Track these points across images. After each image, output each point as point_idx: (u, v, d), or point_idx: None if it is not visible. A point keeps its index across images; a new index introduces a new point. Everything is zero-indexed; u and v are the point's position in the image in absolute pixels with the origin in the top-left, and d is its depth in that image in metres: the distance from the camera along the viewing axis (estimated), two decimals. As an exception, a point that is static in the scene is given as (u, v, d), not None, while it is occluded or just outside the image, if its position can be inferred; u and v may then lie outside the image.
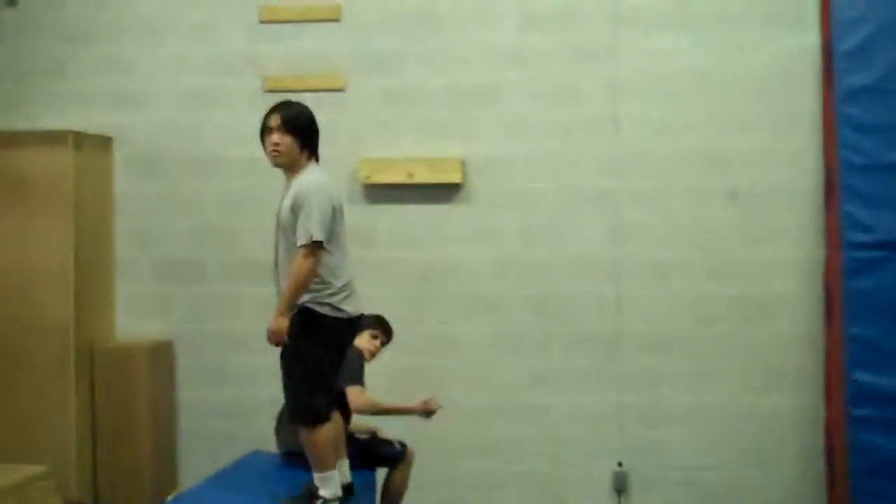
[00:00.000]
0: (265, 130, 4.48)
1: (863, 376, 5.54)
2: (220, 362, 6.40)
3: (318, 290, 4.33)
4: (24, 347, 6.01)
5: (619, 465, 6.12)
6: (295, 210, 4.30)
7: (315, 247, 4.24)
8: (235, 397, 6.35)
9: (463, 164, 6.22)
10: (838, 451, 5.71)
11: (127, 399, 6.17)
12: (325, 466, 4.43)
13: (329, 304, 4.35)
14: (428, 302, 6.27)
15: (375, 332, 5.29)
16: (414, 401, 5.33)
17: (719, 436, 6.06)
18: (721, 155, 6.08)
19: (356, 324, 4.56)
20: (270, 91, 6.28)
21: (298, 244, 4.25)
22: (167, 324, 6.45)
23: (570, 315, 6.18)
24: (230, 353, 6.37)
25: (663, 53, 6.11)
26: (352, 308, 4.44)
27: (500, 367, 6.22)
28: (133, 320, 6.48)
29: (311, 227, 4.23)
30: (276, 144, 4.41)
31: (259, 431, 5.72)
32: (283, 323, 4.26)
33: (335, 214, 4.38)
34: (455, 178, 6.19)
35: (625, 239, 6.15)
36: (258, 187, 6.30)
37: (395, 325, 5.96)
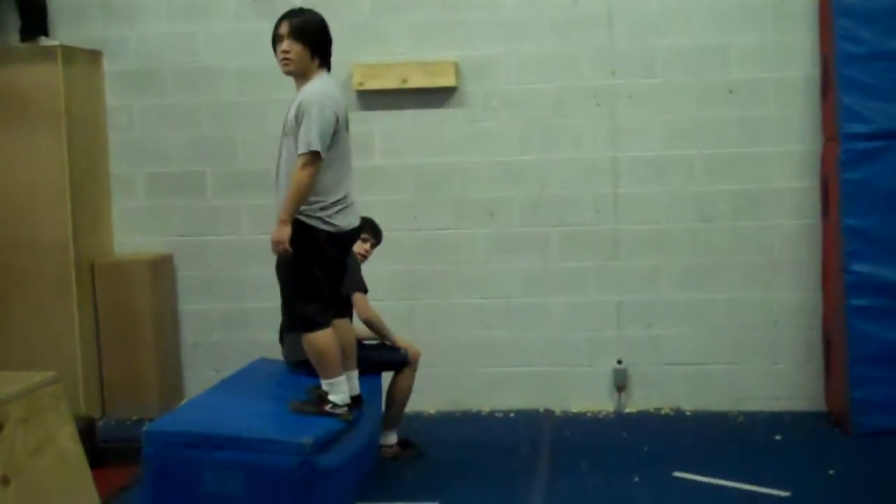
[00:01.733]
0: (276, 38, 4.43)
1: (860, 267, 5.58)
2: (220, 274, 6.43)
3: (309, 203, 4.33)
4: (24, 266, 6.02)
5: (619, 362, 6.20)
6: (298, 118, 4.29)
7: (314, 156, 4.24)
8: (237, 308, 6.40)
9: (457, 67, 6.16)
10: (836, 341, 5.78)
11: (129, 313, 6.21)
12: (330, 372, 4.48)
13: (319, 218, 4.36)
14: (425, 207, 6.27)
15: (365, 235, 5.31)
16: (402, 339, 5.36)
17: (718, 331, 6.13)
18: (717, 50, 6.02)
19: (351, 236, 4.57)
20: (259, -1, 6.20)
21: (298, 153, 4.25)
22: (166, 238, 6.45)
23: (568, 216, 6.19)
24: (230, 265, 6.40)
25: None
26: (344, 222, 4.44)
27: (498, 270, 6.25)
28: (131, 235, 6.48)
29: (311, 138, 4.23)
30: (286, 52, 4.37)
31: (262, 341, 5.77)
32: (286, 231, 4.28)
33: (338, 126, 4.36)
34: (449, 81, 6.14)
35: (622, 138, 6.13)
36: (253, 98, 6.26)
37: (392, 232, 5.99)
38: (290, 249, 4.30)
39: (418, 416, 6.02)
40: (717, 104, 6.04)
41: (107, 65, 6.43)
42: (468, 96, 6.21)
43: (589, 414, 6.18)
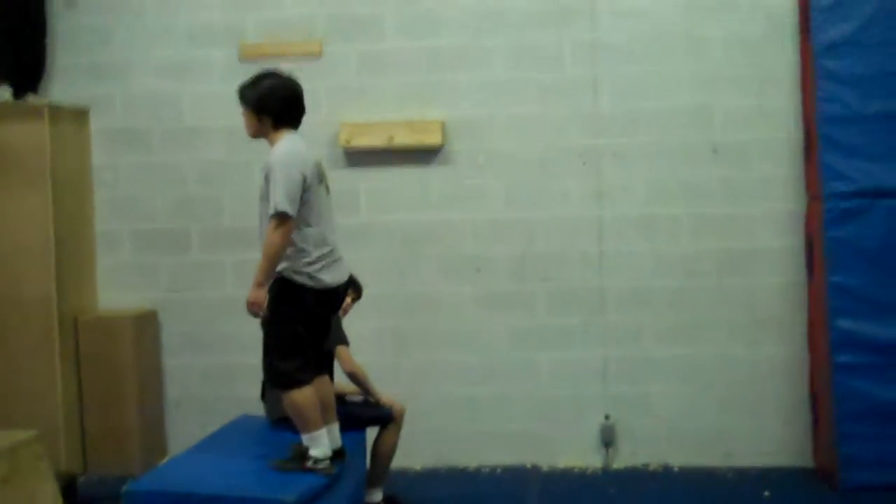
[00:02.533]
0: None
1: (845, 324, 5.61)
2: (204, 330, 6.39)
3: (294, 260, 4.34)
4: (6, 322, 5.96)
5: (607, 418, 6.17)
6: (267, 181, 4.34)
7: (283, 218, 4.26)
8: (221, 364, 6.36)
9: (443, 127, 6.21)
10: (822, 398, 5.78)
11: (112, 369, 6.16)
12: (310, 427, 4.45)
13: (306, 274, 4.36)
14: (411, 264, 6.28)
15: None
16: (385, 395, 5.34)
17: (705, 387, 6.12)
18: (702, 112, 6.10)
19: (338, 292, 4.57)
20: (247, 59, 6.25)
21: (269, 215, 4.28)
22: (150, 294, 6.43)
23: (554, 273, 6.20)
24: (215, 321, 6.36)
25: (642, 14, 6.12)
26: (330, 278, 4.45)
27: (484, 326, 6.24)
28: (115, 292, 6.45)
29: (277, 199, 4.25)
30: (243, 117, 4.54)
31: (246, 396, 5.71)
32: (261, 294, 4.30)
33: (308, 184, 4.37)
34: (435, 140, 6.19)
35: (607, 197, 6.17)
36: (237, 157, 6.28)
37: (379, 288, 6.00)
38: (265, 312, 4.31)
39: (404, 473, 5.97)
40: (702, 164, 6.10)
41: (93, 122, 6.45)
42: (454, 155, 6.26)
43: (576, 470, 6.13)
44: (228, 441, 4.96)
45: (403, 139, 6.20)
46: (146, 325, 6.34)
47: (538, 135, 6.19)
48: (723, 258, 6.10)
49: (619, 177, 6.15)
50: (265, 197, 4.34)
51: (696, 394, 6.13)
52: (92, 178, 6.46)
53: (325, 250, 4.44)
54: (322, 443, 4.47)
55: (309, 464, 4.43)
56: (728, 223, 6.09)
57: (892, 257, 5.61)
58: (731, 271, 6.09)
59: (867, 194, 5.65)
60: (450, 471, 6.18)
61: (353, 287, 5.37)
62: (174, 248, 6.41)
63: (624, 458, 6.18)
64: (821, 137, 5.73)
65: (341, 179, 6.16)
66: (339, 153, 6.25)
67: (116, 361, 6.16)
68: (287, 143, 4.42)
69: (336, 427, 4.66)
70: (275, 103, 4.46)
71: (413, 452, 5.93)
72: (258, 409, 5.32)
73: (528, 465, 6.18)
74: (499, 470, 6.16)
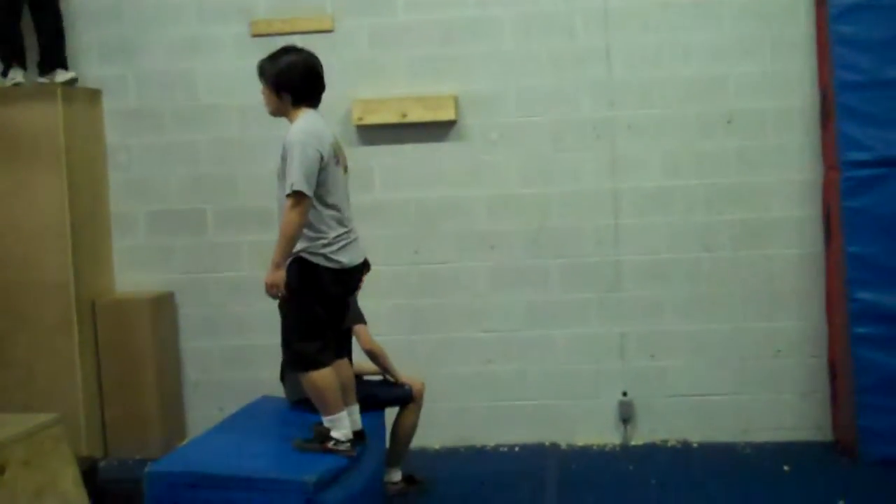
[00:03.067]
0: None
1: (863, 294, 5.57)
2: (222, 311, 6.40)
3: (311, 240, 4.33)
4: (25, 306, 5.98)
5: (624, 394, 6.16)
6: (283, 160, 4.31)
7: (299, 197, 4.22)
8: (239, 345, 6.36)
9: (456, 101, 6.17)
10: (841, 370, 5.75)
11: (131, 352, 6.17)
12: (331, 409, 4.46)
13: (322, 255, 4.35)
14: (426, 241, 6.26)
15: None
16: (404, 374, 5.33)
17: (722, 362, 6.10)
18: (716, 81, 6.04)
19: (355, 272, 4.55)
20: (258, 35, 6.22)
21: (285, 194, 4.26)
22: (167, 275, 6.43)
23: (569, 248, 6.18)
24: (232, 302, 6.37)
25: (654, -19, 6.06)
26: (347, 258, 4.43)
27: (500, 303, 6.22)
28: (132, 273, 6.46)
29: (294, 178, 4.22)
30: (262, 94, 4.50)
31: (265, 378, 5.74)
32: (279, 275, 4.28)
33: (325, 163, 4.34)
34: (449, 115, 6.15)
35: (622, 170, 6.13)
36: (252, 134, 6.27)
37: (394, 266, 6.01)
38: (284, 292, 4.30)
39: (423, 452, 5.98)
40: (717, 134, 6.05)
41: (106, 103, 6.43)
42: (468, 130, 6.22)
43: (595, 447, 6.13)
44: (248, 422, 4.97)
45: (416, 115, 6.17)
46: (163, 307, 6.35)
47: (551, 108, 6.15)
48: (739, 230, 6.06)
49: (634, 149, 6.11)
50: (282, 176, 4.32)
51: (714, 368, 6.11)
52: (106, 159, 6.46)
53: (342, 230, 4.42)
54: (343, 425, 4.47)
55: (330, 445, 4.44)
56: (744, 194, 6.04)
57: (910, 226, 5.57)
58: (748, 243, 6.05)
59: (885, 163, 5.58)
60: (468, 449, 6.18)
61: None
62: (190, 229, 6.41)
63: (642, 435, 6.17)
64: (837, 105, 5.66)
65: (355, 157, 6.10)
66: (352, 130, 6.23)
67: (135, 344, 6.17)
68: (304, 121, 4.38)
69: (356, 409, 4.66)
70: (294, 80, 4.42)
71: (431, 431, 5.94)
72: (278, 390, 5.33)
73: (547, 443, 6.18)
74: (517, 448, 6.16)
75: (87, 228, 6.20)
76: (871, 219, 5.58)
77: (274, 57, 4.49)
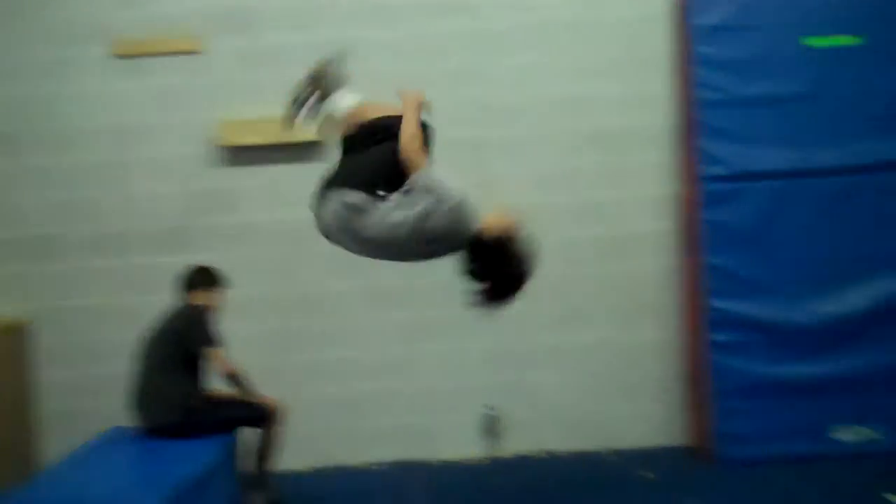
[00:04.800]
0: None
1: (721, 304, 5.71)
2: (77, 341, 6.15)
3: None
4: None
5: (490, 408, 6.19)
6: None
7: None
8: (94, 375, 6.11)
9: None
10: (699, 377, 5.88)
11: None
12: None
13: None
14: (296, 262, 6.21)
15: (207, 285, 5.30)
16: (262, 396, 5.28)
17: (586, 373, 6.19)
18: (582, 100, 6.16)
19: None
20: (122, 56, 6.15)
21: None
22: (22, 303, 6.23)
23: (436, 266, 6.17)
24: (88, 331, 6.13)
25: (521, 3, 6.16)
26: None
27: (368, 322, 6.20)
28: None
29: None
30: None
31: (118, 408, 5.55)
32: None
33: None
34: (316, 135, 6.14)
35: (490, 187, 6.18)
36: (111, 158, 6.13)
37: (263, 287, 5.93)
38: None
39: (292, 475, 5.89)
40: (583, 152, 6.16)
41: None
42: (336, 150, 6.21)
43: (462, 462, 6.14)
44: (100, 452, 4.85)
45: (284, 136, 6.14)
46: (17, 336, 6.09)
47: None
48: (603, 244, 6.16)
49: (504, 166, 6.18)
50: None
51: (577, 380, 6.19)
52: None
53: None
54: None
55: None
56: (608, 209, 6.16)
57: (765, 238, 5.74)
58: (611, 257, 6.16)
59: (742, 177, 5.78)
60: (336, 469, 6.12)
61: (212, 277, 5.34)
62: (45, 256, 6.19)
63: (509, 447, 6.21)
64: (697, 123, 5.82)
65: (223, 178, 6.10)
66: (219, 151, 6.18)
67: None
68: None
69: None
70: None
71: (299, 453, 5.88)
72: (129, 420, 5.22)
73: (415, 460, 6.17)
74: (386, 466, 6.13)
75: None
76: (729, 231, 5.75)
77: None
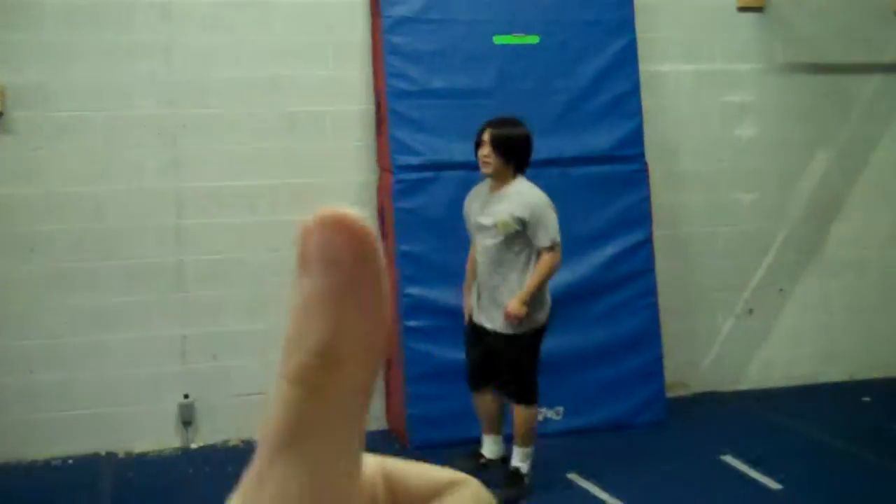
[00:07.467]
0: (479, 142, 4.98)
1: (413, 290, 5.87)
2: None
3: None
4: None
5: (186, 396, 6.04)
6: (527, 219, 4.91)
7: (558, 248, 4.94)
8: None
9: (2, 93, 5.72)
10: (394, 362, 6.03)
11: None
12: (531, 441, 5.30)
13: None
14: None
15: None
16: None
17: (276, 361, 6.14)
18: (276, 83, 6.09)
19: None
20: None
21: (543, 245, 4.90)
22: None
23: (128, 249, 5.94)
24: None
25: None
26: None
27: (45, 307, 5.82)
28: None
29: (552, 234, 4.92)
30: (486, 156, 4.96)
31: None
32: (525, 310, 4.91)
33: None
34: (-8, 107, 5.69)
35: (184, 169, 6.01)
36: None
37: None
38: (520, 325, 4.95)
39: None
40: (278, 135, 6.11)
41: None
42: (16, 123, 5.79)
43: (154, 453, 5.94)
44: None
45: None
46: None
47: (106, 102, 5.88)
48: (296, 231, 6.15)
49: (195, 148, 6.01)
50: (512, 232, 4.92)
51: (275, 368, 6.13)
52: None
53: None
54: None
55: (526, 480, 5.24)
56: (304, 195, 6.15)
57: (453, 226, 5.93)
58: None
59: (432, 167, 5.93)
60: (17, 466, 5.72)
61: None
62: None
63: (204, 437, 6.07)
64: (389, 112, 5.93)
65: None
66: None
67: None
68: (535, 188, 5.03)
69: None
70: (519, 148, 4.99)
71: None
72: None
73: (103, 453, 5.88)
74: (70, 461, 5.81)
75: None
76: (420, 219, 5.90)
77: (503, 125, 4.96)
